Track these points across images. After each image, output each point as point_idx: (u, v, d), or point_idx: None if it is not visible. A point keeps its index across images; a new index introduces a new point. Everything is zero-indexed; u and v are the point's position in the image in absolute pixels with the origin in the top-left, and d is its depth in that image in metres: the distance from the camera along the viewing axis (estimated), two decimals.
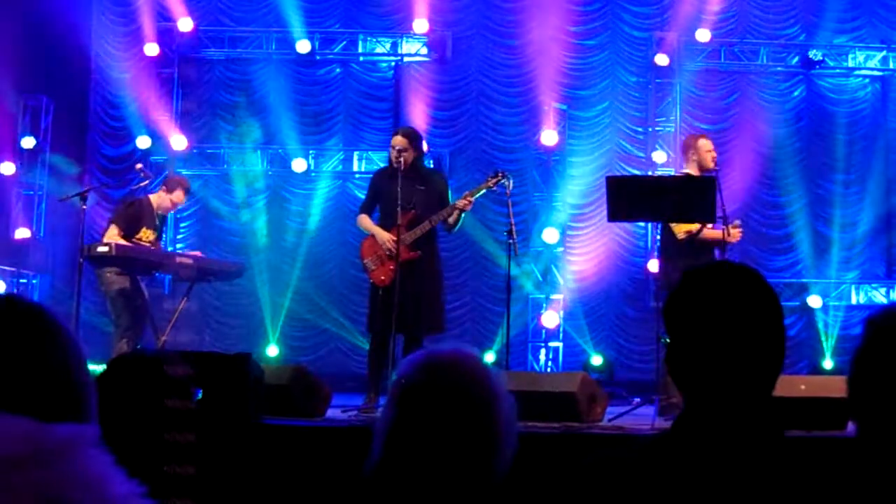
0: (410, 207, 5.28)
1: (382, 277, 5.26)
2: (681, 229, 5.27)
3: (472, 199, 5.34)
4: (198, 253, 6.50)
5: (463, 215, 5.36)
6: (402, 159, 5.28)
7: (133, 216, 5.93)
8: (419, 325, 5.24)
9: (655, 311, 5.54)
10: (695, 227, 5.26)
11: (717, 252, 5.44)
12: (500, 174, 5.45)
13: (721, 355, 1.34)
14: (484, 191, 5.48)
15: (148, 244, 5.99)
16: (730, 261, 1.45)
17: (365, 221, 5.47)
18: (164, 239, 6.92)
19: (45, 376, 1.08)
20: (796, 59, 9.13)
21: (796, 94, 9.25)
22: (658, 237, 6.13)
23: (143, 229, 5.98)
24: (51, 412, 1.05)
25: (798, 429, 3.82)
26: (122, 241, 5.80)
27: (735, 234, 5.27)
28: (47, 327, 1.12)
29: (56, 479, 0.97)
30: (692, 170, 5.50)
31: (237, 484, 3.59)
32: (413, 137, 5.43)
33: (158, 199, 6.12)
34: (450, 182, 5.84)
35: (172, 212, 6.62)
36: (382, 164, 9.01)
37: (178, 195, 6.17)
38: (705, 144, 5.49)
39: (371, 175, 5.84)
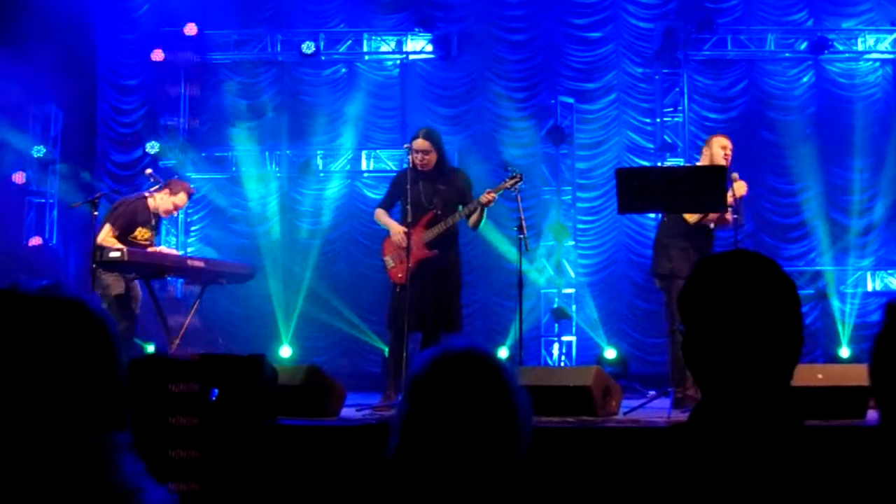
0: (430, 207, 5.28)
1: (400, 275, 5.25)
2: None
3: (496, 195, 5.29)
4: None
5: (485, 212, 5.34)
6: (425, 161, 5.30)
7: (125, 215, 5.93)
8: (437, 324, 5.24)
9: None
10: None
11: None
12: (518, 175, 5.36)
13: (738, 345, 1.32)
14: (505, 189, 5.42)
15: (145, 243, 6.01)
16: (746, 249, 1.43)
17: (382, 216, 5.49)
18: (161, 239, 6.95)
19: (104, 383, 1.07)
20: (805, 44, 9.04)
21: (805, 80, 9.16)
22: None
23: (139, 228, 6.00)
24: (100, 419, 1.04)
25: (816, 418, 3.78)
26: (114, 241, 5.82)
27: (740, 185, 5.20)
28: (109, 334, 1.10)
29: (91, 488, 0.95)
30: (703, 164, 5.49)
31: (253, 484, 3.60)
32: (435, 139, 5.39)
33: (159, 200, 6.10)
34: None
35: (174, 214, 6.65)
36: (391, 163, 9.10)
37: (181, 198, 6.18)
38: (719, 141, 5.48)
39: (394, 173, 5.84)
